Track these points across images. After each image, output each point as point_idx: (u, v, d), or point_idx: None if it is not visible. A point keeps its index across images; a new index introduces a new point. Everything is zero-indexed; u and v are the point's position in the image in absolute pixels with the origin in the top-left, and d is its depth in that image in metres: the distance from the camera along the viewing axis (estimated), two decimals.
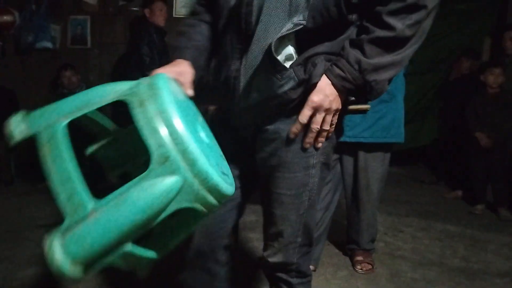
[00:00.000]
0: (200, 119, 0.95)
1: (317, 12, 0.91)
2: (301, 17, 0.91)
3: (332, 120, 0.98)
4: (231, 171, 0.96)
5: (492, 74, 3.51)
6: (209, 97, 1.16)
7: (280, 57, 0.93)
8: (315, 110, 0.95)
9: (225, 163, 0.94)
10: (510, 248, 2.69)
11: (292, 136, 0.99)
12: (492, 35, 4.63)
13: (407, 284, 2.11)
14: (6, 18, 4.34)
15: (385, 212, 3.46)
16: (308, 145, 0.99)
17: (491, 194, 3.68)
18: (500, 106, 3.53)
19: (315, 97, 0.94)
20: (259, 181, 1.11)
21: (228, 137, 1.05)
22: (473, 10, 4.85)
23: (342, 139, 1.93)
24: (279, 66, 0.93)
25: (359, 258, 2.25)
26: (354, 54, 0.92)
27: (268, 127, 1.01)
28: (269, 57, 0.92)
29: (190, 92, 0.95)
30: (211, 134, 0.96)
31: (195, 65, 1.01)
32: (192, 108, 0.95)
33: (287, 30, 0.90)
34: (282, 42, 0.92)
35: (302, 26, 0.90)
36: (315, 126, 0.97)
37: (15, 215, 3.07)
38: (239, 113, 1.03)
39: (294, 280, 1.16)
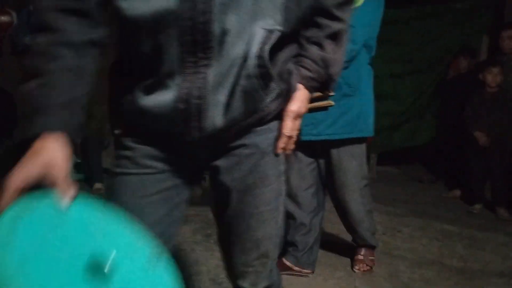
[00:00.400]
0: (105, 229, 0.68)
1: (293, 16, 0.86)
2: (271, 21, 0.81)
3: None
4: (180, 196, 0.92)
5: (490, 73, 3.51)
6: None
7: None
8: (295, 119, 0.94)
9: (158, 271, 0.70)
10: (508, 248, 2.69)
11: (280, 151, 0.94)
12: (490, 34, 4.64)
13: (405, 284, 2.11)
14: (3, 18, 4.34)
15: (383, 212, 3.45)
16: (290, 152, 0.98)
17: (489, 194, 3.68)
18: (498, 105, 3.53)
19: (293, 107, 0.93)
20: (226, 206, 0.96)
21: (170, 164, 0.90)
22: (470, 8, 4.86)
23: (307, 138, 1.92)
24: (270, 80, 0.84)
25: (360, 257, 2.23)
26: (316, 52, 0.92)
27: (244, 142, 0.91)
28: (260, 71, 0.82)
29: (71, 192, 0.68)
30: (127, 244, 0.69)
31: (72, 134, 0.73)
32: (83, 227, 0.65)
33: (270, 41, 0.81)
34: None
35: (280, 32, 0.83)
36: (295, 132, 0.96)
37: None
38: (204, 135, 0.85)
39: None
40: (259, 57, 0.80)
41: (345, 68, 1.80)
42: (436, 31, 4.99)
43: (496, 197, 3.56)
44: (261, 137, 0.92)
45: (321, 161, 2.14)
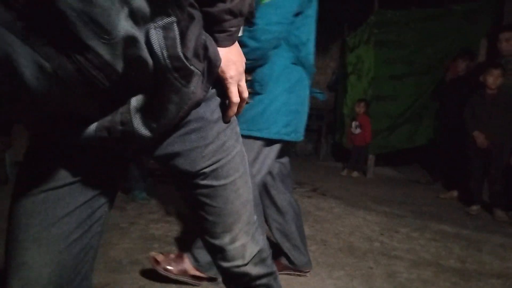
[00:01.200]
0: None
1: None
2: (162, 16, 0.67)
3: None
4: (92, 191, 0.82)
5: (491, 76, 3.53)
6: None
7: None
8: (238, 81, 0.90)
9: None
10: (505, 249, 2.71)
11: (231, 118, 0.91)
12: (489, 37, 4.66)
13: (403, 284, 2.11)
14: None
15: (381, 212, 3.47)
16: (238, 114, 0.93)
17: (487, 195, 3.70)
18: (498, 107, 3.55)
19: (231, 71, 0.88)
20: (195, 190, 0.90)
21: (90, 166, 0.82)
22: (469, 11, 4.89)
23: None
24: (193, 75, 0.75)
25: None
26: (220, 9, 0.83)
27: (188, 118, 0.83)
28: (186, 79, 0.74)
29: None
30: None
31: None
32: None
33: (175, 43, 0.69)
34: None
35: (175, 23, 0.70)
36: (245, 92, 0.92)
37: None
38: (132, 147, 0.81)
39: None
40: (178, 69, 0.71)
41: (259, 66, 1.76)
42: (436, 33, 5.03)
43: (494, 199, 3.57)
44: (202, 108, 0.84)
45: None
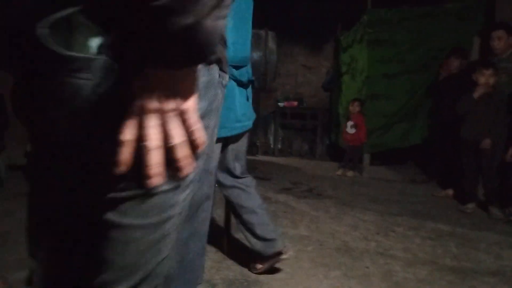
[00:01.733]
0: None
1: None
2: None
3: None
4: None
5: (483, 75, 3.53)
6: None
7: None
8: (150, 120, 0.60)
9: None
10: (500, 247, 2.72)
11: (119, 169, 0.69)
12: (482, 35, 4.69)
13: (399, 283, 2.12)
14: None
15: (377, 212, 3.48)
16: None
17: (482, 193, 3.71)
18: (490, 105, 3.56)
19: (147, 101, 0.57)
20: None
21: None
22: (462, 9, 4.92)
23: None
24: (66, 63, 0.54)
25: None
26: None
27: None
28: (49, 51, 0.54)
29: None
30: None
31: None
32: None
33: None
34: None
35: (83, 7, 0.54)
36: (151, 145, 0.61)
37: (5, 218, 3.04)
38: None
39: None
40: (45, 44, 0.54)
41: None
42: (429, 32, 5.05)
43: (489, 196, 3.59)
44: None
45: None
